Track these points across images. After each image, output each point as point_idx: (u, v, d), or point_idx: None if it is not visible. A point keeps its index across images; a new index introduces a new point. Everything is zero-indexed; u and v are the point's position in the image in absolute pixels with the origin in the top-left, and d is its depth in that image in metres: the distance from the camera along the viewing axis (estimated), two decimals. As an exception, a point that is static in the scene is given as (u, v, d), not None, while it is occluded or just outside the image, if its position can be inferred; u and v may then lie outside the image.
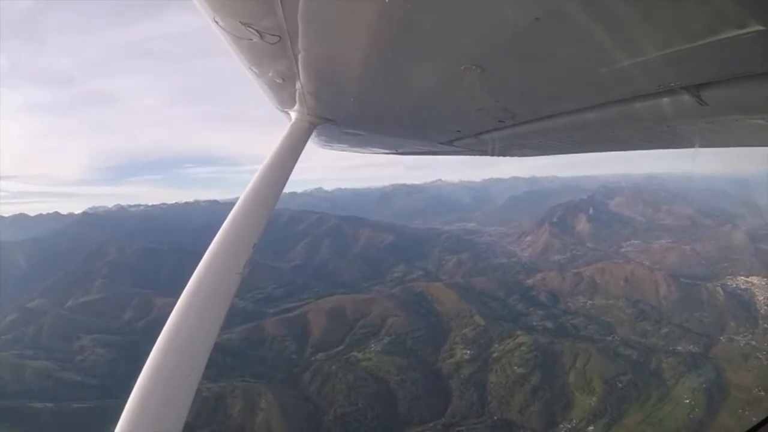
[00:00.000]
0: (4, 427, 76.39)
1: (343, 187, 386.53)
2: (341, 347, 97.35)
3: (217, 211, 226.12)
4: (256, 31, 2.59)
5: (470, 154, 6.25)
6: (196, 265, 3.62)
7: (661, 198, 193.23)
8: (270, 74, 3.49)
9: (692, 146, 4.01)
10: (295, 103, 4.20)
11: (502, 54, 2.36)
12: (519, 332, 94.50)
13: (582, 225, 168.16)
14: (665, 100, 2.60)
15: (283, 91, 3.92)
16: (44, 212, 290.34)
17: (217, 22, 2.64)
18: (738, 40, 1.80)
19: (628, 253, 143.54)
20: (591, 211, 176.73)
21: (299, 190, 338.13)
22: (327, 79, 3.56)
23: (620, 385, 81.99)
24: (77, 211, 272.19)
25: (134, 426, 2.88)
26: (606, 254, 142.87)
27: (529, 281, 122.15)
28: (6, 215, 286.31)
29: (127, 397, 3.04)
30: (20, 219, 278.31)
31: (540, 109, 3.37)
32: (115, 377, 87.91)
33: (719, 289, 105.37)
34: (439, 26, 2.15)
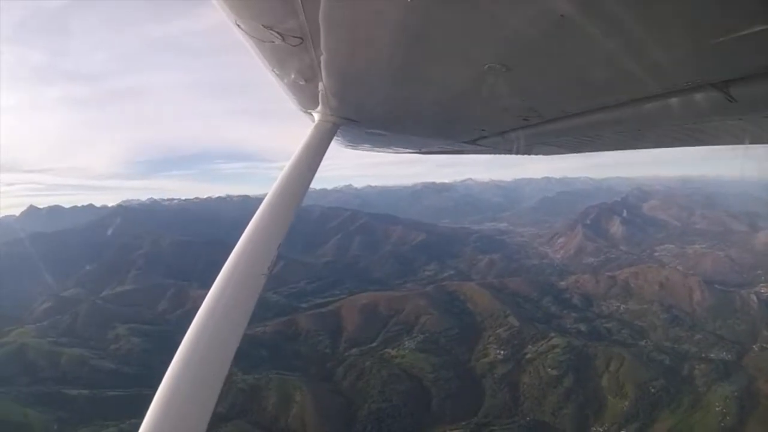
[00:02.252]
0: (38, 412, 77.06)
1: (372, 184, 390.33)
2: (375, 343, 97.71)
3: (248, 205, 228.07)
4: (278, 33, 2.64)
5: (495, 153, 6.24)
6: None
7: (695, 202, 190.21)
8: (292, 76, 3.55)
9: (722, 144, 3.96)
10: (317, 104, 4.22)
11: (526, 52, 2.36)
12: (552, 334, 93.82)
13: (615, 228, 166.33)
14: (693, 96, 2.60)
15: (305, 92, 3.96)
16: (79, 204, 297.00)
17: (239, 26, 2.70)
18: (766, 35, 1.75)
19: (662, 257, 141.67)
20: (625, 213, 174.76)
21: (329, 186, 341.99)
22: (349, 80, 3.59)
23: (653, 390, 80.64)
24: (111, 204, 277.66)
25: (158, 426, 2.93)
26: (640, 258, 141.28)
27: (563, 283, 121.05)
28: (41, 207, 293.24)
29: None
30: (55, 211, 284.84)
31: (566, 106, 3.35)
32: (149, 366, 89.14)
33: (753, 296, 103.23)
34: (463, 25, 2.15)
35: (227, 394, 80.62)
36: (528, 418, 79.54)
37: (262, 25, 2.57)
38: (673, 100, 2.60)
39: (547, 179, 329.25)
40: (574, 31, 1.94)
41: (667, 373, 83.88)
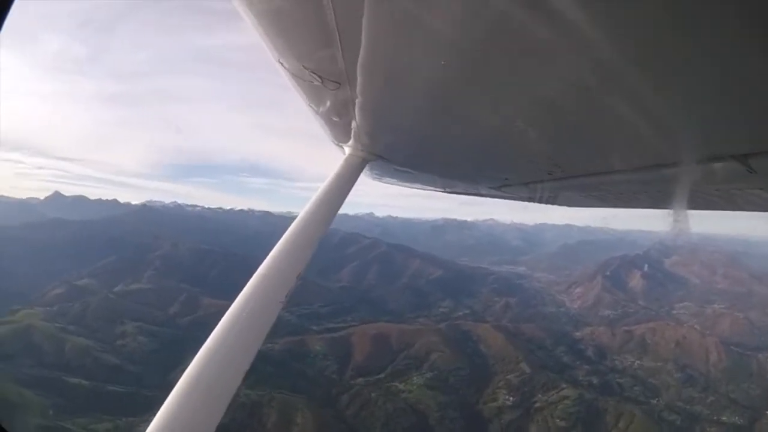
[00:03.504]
0: (35, 394, 77.72)
1: (394, 215, 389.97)
2: (382, 375, 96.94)
3: (269, 222, 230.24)
4: (318, 76, 2.74)
5: (517, 200, 6.23)
6: (246, 272, 3.69)
7: (718, 260, 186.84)
8: (327, 112, 3.61)
9: (744, 210, 3.89)
10: (349, 138, 4.30)
11: (554, 114, 2.40)
12: (564, 385, 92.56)
13: (636, 281, 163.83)
14: (714, 166, 2.51)
15: (338, 126, 4.02)
16: (104, 198, 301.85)
17: (281, 63, 2.83)
18: None
19: (680, 315, 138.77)
20: (646, 267, 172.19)
21: (351, 212, 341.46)
22: (382, 122, 3.76)
23: None
24: (135, 202, 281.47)
25: None
26: (658, 314, 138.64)
27: (578, 334, 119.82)
28: (67, 195, 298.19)
29: (162, 390, 2.83)
30: (80, 201, 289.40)
31: (589, 166, 3.38)
32: (153, 367, 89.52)
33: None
34: (494, 84, 2.24)
35: (227, 406, 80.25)
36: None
37: (303, 66, 2.71)
38: (695, 168, 2.56)
39: (569, 226, 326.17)
40: (600, 100, 2.03)
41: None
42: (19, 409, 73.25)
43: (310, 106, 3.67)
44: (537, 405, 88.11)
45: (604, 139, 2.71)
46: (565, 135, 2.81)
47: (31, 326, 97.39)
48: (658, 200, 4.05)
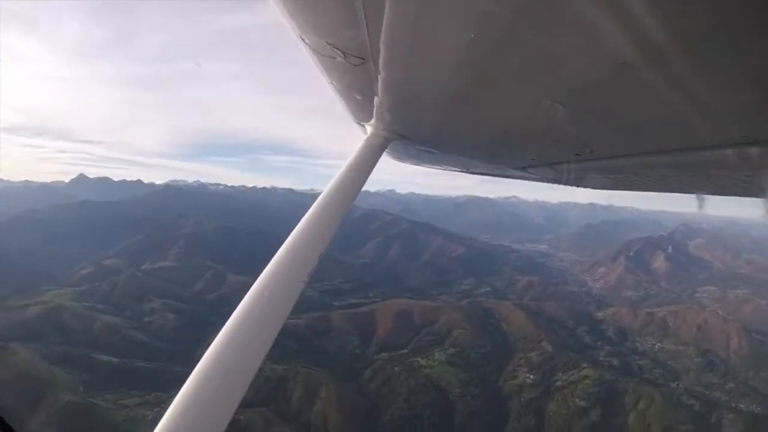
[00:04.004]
0: (65, 372, 79.48)
1: (416, 192, 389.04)
2: (405, 350, 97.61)
3: (292, 199, 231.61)
4: (341, 51, 2.74)
5: (542, 181, 5.98)
6: (269, 249, 3.68)
7: (742, 245, 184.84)
8: (349, 90, 3.64)
9: None
10: (371, 117, 4.26)
11: (584, 94, 2.34)
12: (585, 365, 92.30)
13: (659, 263, 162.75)
14: (749, 150, 2.47)
15: (360, 105, 4.01)
16: (128, 179, 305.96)
17: (303, 40, 2.80)
18: None
19: (703, 299, 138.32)
20: (669, 249, 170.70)
21: (372, 189, 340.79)
22: (406, 99, 3.66)
23: None
24: (159, 182, 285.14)
25: (180, 417, 2.95)
26: (680, 297, 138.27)
27: (600, 314, 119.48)
28: (91, 177, 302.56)
29: (189, 366, 3.20)
30: (104, 182, 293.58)
31: (619, 147, 3.30)
32: (181, 343, 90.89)
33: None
34: (523, 62, 2.19)
35: (253, 380, 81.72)
36: (549, 447, 78.81)
37: (326, 42, 2.70)
38: (728, 152, 2.54)
39: (593, 205, 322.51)
40: (633, 79, 1.93)
41: (695, 419, 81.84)
42: (50, 386, 74.97)
43: (332, 84, 3.67)
44: (558, 384, 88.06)
45: (637, 118, 2.64)
46: (595, 114, 2.76)
47: (61, 306, 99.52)
48: (689, 185, 4.01)
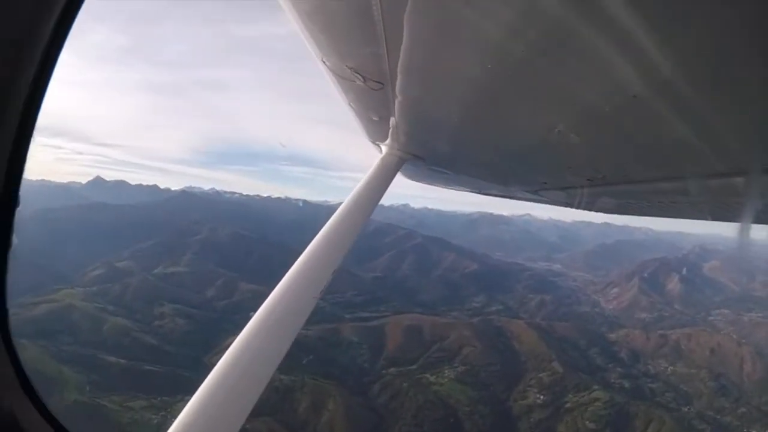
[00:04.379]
0: (73, 371, 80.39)
1: (430, 207, 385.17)
2: (414, 366, 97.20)
3: (306, 210, 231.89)
4: (361, 76, 2.76)
5: (554, 204, 6.18)
6: (282, 259, 3.86)
7: (758, 268, 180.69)
8: (366, 111, 3.69)
9: None
10: (386, 137, 4.34)
11: (596, 124, 2.38)
12: (595, 386, 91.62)
13: (673, 285, 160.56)
14: (762, 178, 2.47)
15: (376, 126, 4.07)
16: (144, 183, 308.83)
17: (324, 62, 2.85)
18: None
19: (717, 322, 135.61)
20: (684, 271, 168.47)
21: (386, 203, 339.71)
22: (421, 122, 3.71)
23: None
24: (174, 188, 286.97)
25: (191, 424, 2.98)
26: (693, 320, 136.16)
27: (612, 335, 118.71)
28: (108, 179, 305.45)
29: (197, 371, 3.04)
30: (121, 185, 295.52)
31: (630, 174, 3.32)
32: (189, 348, 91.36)
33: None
34: (537, 92, 2.21)
35: (258, 398, 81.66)
36: (558, 469, 78.07)
37: (347, 66, 2.75)
38: (739, 180, 2.57)
39: (607, 225, 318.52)
40: (644, 111, 1.97)
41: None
42: (58, 384, 75.41)
43: (350, 105, 3.77)
44: (567, 405, 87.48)
45: (648, 147, 2.70)
46: (607, 142, 2.82)
47: (72, 305, 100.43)
48: (701, 212, 4.08)
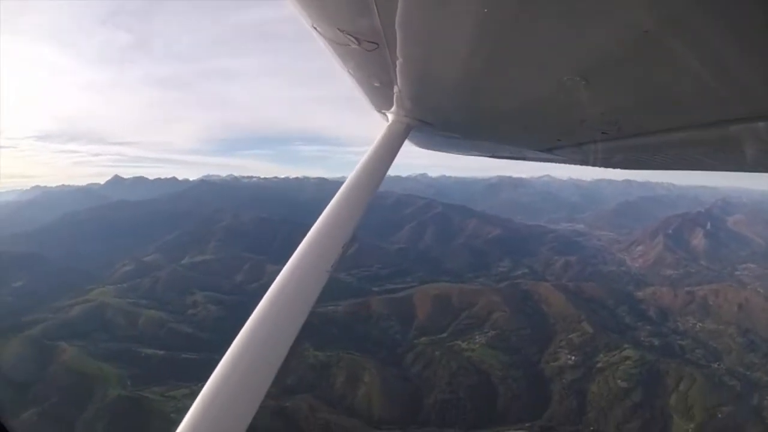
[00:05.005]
0: (113, 367, 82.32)
1: (447, 174, 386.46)
2: (445, 334, 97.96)
3: (324, 187, 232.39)
4: (354, 38, 2.70)
5: (569, 163, 5.81)
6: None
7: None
8: (367, 77, 3.64)
9: None
10: (392, 104, 4.23)
11: (607, 66, 2.23)
12: (626, 345, 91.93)
13: (698, 240, 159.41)
14: None
15: (379, 93, 4.00)
16: (162, 176, 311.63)
17: (315, 28, 2.81)
18: None
19: (743, 277, 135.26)
20: (708, 226, 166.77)
21: (404, 174, 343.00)
22: (424, 84, 3.61)
23: (720, 415, 78.05)
24: (193, 178, 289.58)
25: (201, 416, 3.03)
26: (720, 275, 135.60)
27: (640, 294, 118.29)
28: (126, 177, 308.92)
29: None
30: (139, 181, 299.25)
31: (647, 123, 3.12)
32: (225, 333, 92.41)
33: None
34: (542, 36, 2.10)
35: (297, 367, 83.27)
36: (592, 428, 78.59)
37: (338, 29, 2.68)
38: (761, 125, 2.43)
39: (628, 182, 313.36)
40: (657, 48, 1.85)
41: (737, 400, 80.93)
42: (99, 381, 77.87)
43: (350, 73, 3.68)
44: (599, 365, 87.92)
45: (664, 92, 2.52)
46: (620, 88, 2.63)
47: (105, 303, 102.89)
48: (722, 162, 3.90)
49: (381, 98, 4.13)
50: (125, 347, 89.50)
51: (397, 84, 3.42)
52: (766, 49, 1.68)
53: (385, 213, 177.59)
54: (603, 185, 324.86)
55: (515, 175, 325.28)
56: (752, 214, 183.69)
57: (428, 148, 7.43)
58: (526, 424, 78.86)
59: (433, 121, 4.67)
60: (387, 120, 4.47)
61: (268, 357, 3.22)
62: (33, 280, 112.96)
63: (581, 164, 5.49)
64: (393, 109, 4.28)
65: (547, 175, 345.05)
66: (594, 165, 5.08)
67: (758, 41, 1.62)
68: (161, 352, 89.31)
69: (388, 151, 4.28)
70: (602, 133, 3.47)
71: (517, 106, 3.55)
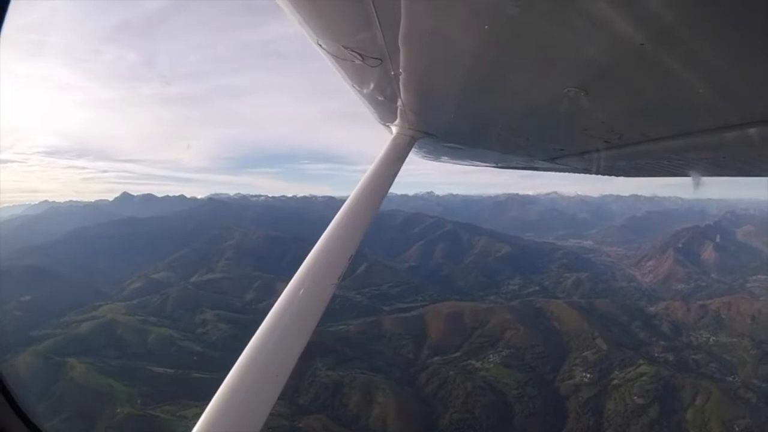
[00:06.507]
0: (123, 384, 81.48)
1: (454, 192, 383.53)
2: (458, 353, 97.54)
3: (332, 206, 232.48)
4: (358, 54, 2.73)
5: (572, 172, 6.01)
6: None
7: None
8: (371, 92, 3.62)
9: None
10: (396, 117, 4.26)
11: (605, 78, 2.31)
12: (641, 361, 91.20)
13: (708, 254, 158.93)
14: None
15: (384, 106, 4.04)
16: (171, 194, 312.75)
17: (320, 45, 2.82)
18: None
19: (754, 288, 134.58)
20: (718, 239, 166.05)
21: (411, 193, 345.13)
22: (427, 97, 3.67)
23: (737, 429, 77.33)
24: (201, 196, 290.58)
25: (217, 419, 3.05)
26: (731, 288, 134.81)
27: (652, 309, 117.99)
28: (135, 194, 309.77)
29: None
30: (148, 199, 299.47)
31: (647, 131, 3.18)
32: (236, 352, 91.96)
33: None
34: (542, 49, 2.15)
35: (309, 387, 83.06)
36: (610, 446, 78.06)
37: (342, 46, 2.72)
38: (753, 131, 2.51)
39: (636, 197, 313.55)
40: (654, 60, 1.90)
41: (754, 413, 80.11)
42: (109, 399, 77.20)
43: (354, 87, 3.68)
44: (614, 382, 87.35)
45: (658, 103, 2.61)
46: (620, 98, 2.72)
47: (114, 320, 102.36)
48: (722, 167, 3.99)
49: (385, 112, 4.22)
50: (135, 365, 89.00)
51: (400, 98, 3.47)
52: (760, 57, 1.70)
53: (394, 232, 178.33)
54: (610, 200, 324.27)
55: (522, 192, 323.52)
56: (761, 224, 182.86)
57: (434, 160, 7.44)
58: (543, 443, 78.57)
59: (437, 132, 4.72)
60: (392, 133, 4.56)
61: (277, 367, 3.25)
62: (41, 295, 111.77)
63: (585, 173, 5.63)
64: (397, 122, 4.36)
65: (554, 192, 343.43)
66: (597, 173, 5.20)
67: (754, 49, 1.64)
68: (171, 371, 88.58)
69: (393, 163, 4.34)
70: (604, 141, 3.57)
71: (519, 116, 3.68)
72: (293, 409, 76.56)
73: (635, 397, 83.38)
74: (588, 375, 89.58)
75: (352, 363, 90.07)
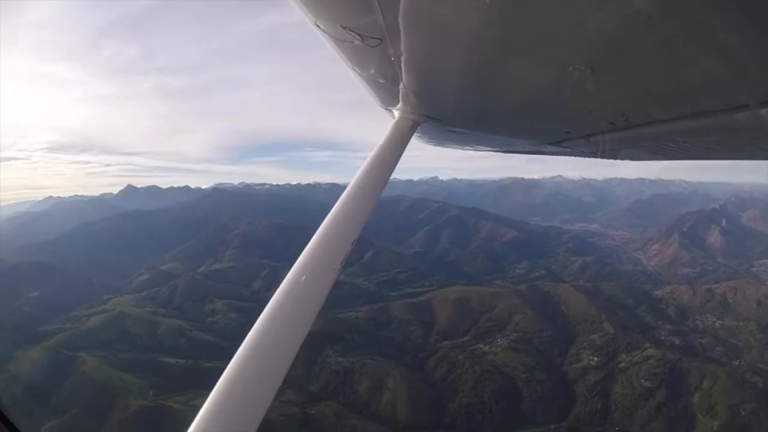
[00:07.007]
0: (134, 377, 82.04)
1: (458, 177, 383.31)
2: (467, 338, 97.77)
3: (336, 193, 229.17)
4: (357, 34, 2.66)
5: (578, 156, 5.79)
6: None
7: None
8: (372, 74, 3.58)
9: None
10: (398, 101, 4.18)
11: (612, 54, 2.22)
12: (647, 345, 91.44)
13: (713, 238, 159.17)
14: None
15: (385, 90, 3.98)
16: (175, 185, 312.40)
17: (318, 26, 2.78)
18: None
19: (760, 272, 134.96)
20: (723, 223, 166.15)
21: (415, 178, 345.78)
22: (430, 79, 3.60)
23: (743, 412, 77.62)
24: (205, 186, 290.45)
25: (212, 417, 2.95)
26: (737, 272, 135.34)
27: (658, 293, 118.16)
28: (139, 186, 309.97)
29: None
30: (152, 191, 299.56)
31: (654, 112, 3.03)
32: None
33: None
34: (545, 26, 2.07)
35: (320, 374, 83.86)
36: (617, 429, 78.43)
37: (341, 26, 2.65)
38: (764, 112, 2.37)
39: (641, 180, 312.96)
40: (661, 35, 1.83)
41: (760, 397, 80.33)
42: (121, 392, 77.69)
43: (355, 70, 3.66)
44: (621, 365, 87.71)
45: (666, 81, 2.49)
46: (627, 77, 2.59)
47: (123, 313, 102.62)
48: (731, 150, 3.89)
49: (387, 95, 4.15)
50: (146, 357, 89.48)
51: (402, 80, 3.41)
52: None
53: (400, 217, 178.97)
54: (615, 184, 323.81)
55: (527, 176, 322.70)
56: (765, 208, 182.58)
57: (438, 144, 7.18)
58: (552, 426, 79.17)
59: (440, 116, 4.66)
60: (393, 117, 4.49)
61: (281, 353, 3.18)
62: (49, 291, 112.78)
63: (591, 156, 5.47)
64: (399, 105, 4.30)
65: (559, 176, 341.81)
66: (603, 157, 5.11)
67: (765, 27, 1.57)
68: (182, 361, 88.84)
69: (396, 147, 4.28)
70: (610, 123, 3.47)
71: (523, 97, 3.56)
72: (305, 396, 77.24)
73: (642, 381, 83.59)
74: (595, 358, 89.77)
75: (361, 349, 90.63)
